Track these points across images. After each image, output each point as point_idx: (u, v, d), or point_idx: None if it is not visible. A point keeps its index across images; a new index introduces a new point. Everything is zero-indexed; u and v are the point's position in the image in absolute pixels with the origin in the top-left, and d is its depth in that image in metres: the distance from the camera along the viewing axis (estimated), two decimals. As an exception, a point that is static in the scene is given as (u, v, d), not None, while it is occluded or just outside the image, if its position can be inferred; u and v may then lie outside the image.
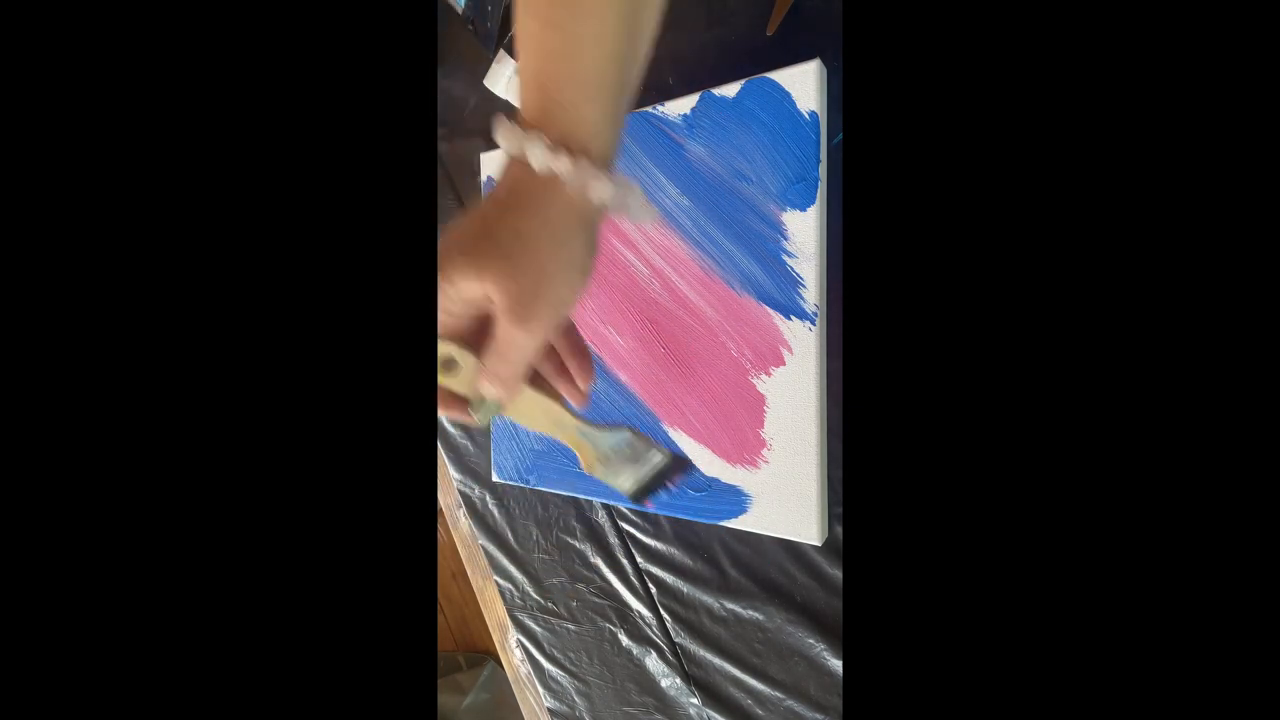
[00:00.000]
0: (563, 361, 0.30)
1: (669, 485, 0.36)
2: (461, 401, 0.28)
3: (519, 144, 0.23)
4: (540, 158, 0.23)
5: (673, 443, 0.44)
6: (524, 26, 0.23)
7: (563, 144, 0.23)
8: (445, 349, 0.26)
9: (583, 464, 0.33)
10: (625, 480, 0.34)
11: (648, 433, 0.45)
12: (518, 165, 0.24)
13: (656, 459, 0.34)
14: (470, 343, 0.26)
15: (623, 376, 0.46)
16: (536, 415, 0.30)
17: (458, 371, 0.27)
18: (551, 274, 0.24)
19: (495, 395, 0.27)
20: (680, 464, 0.36)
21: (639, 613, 0.52)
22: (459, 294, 0.24)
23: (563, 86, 0.23)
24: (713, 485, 0.42)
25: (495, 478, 0.57)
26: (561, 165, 0.23)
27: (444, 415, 0.28)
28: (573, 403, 0.31)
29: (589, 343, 0.48)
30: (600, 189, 0.24)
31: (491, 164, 0.55)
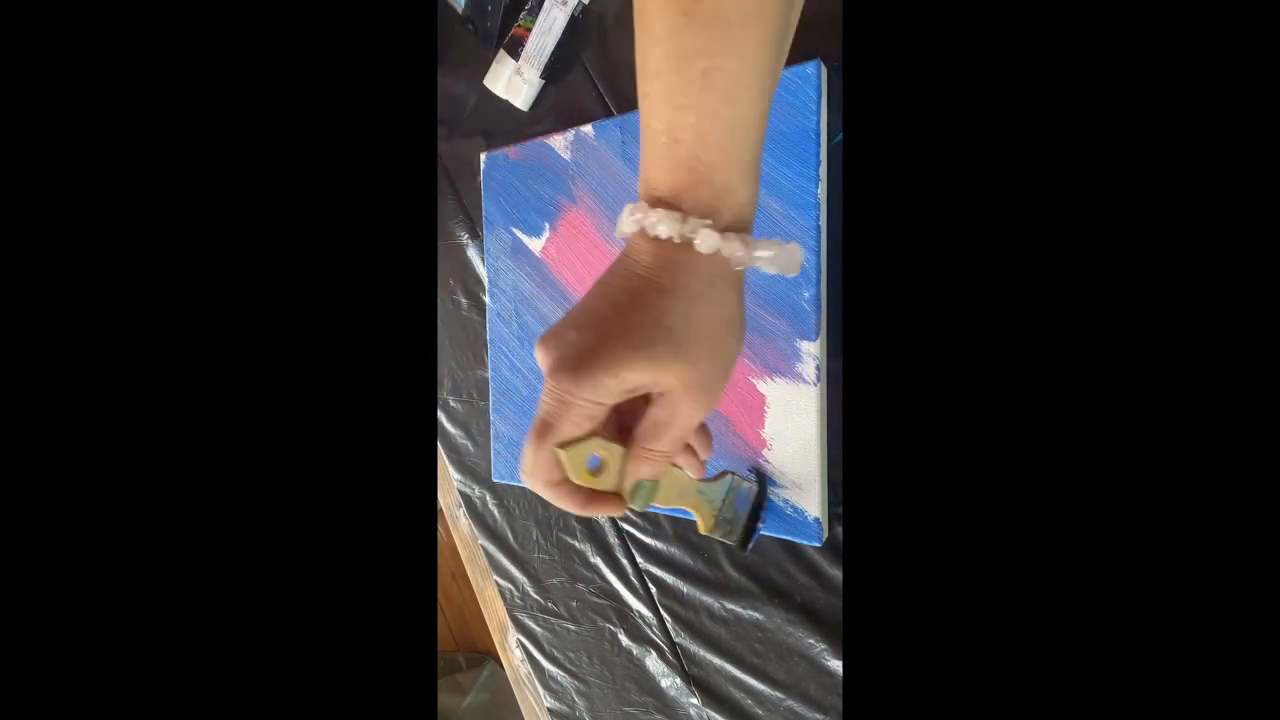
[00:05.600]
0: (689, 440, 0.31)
1: (762, 518, 0.38)
2: (610, 498, 0.26)
3: (680, 229, 0.23)
4: (710, 242, 0.23)
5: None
6: (674, 119, 0.22)
7: (730, 227, 0.23)
8: (588, 449, 0.24)
9: (701, 526, 0.34)
10: (733, 529, 0.36)
11: None
12: (666, 245, 0.23)
13: (746, 490, 0.36)
14: (611, 432, 0.25)
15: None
16: (670, 489, 0.31)
17: (605, 470, 0.25)
18: (726, 351, 0.25)
19: (656, 474, 0.26)
20: (763, 482, 0.38)
21: (639, 613, 0.52)
22: (621, 386, 0.23)
23: (722, 171, 0.23)
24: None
25: (495, 478, 0.57)
26: (733, 248, 0.23)
27: (595, 514, 0.27)
28: (692, 472, 0.31)
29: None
30: (765, 259, 0.24)
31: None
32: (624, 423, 0.26)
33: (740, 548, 0.37)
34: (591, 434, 0.24)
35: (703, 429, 0.30)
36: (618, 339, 0.23)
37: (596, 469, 0.25)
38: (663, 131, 0.22)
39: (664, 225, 0.23)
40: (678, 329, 0.23)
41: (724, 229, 0.23)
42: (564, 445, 0.24)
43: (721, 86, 0.21)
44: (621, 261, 0.24)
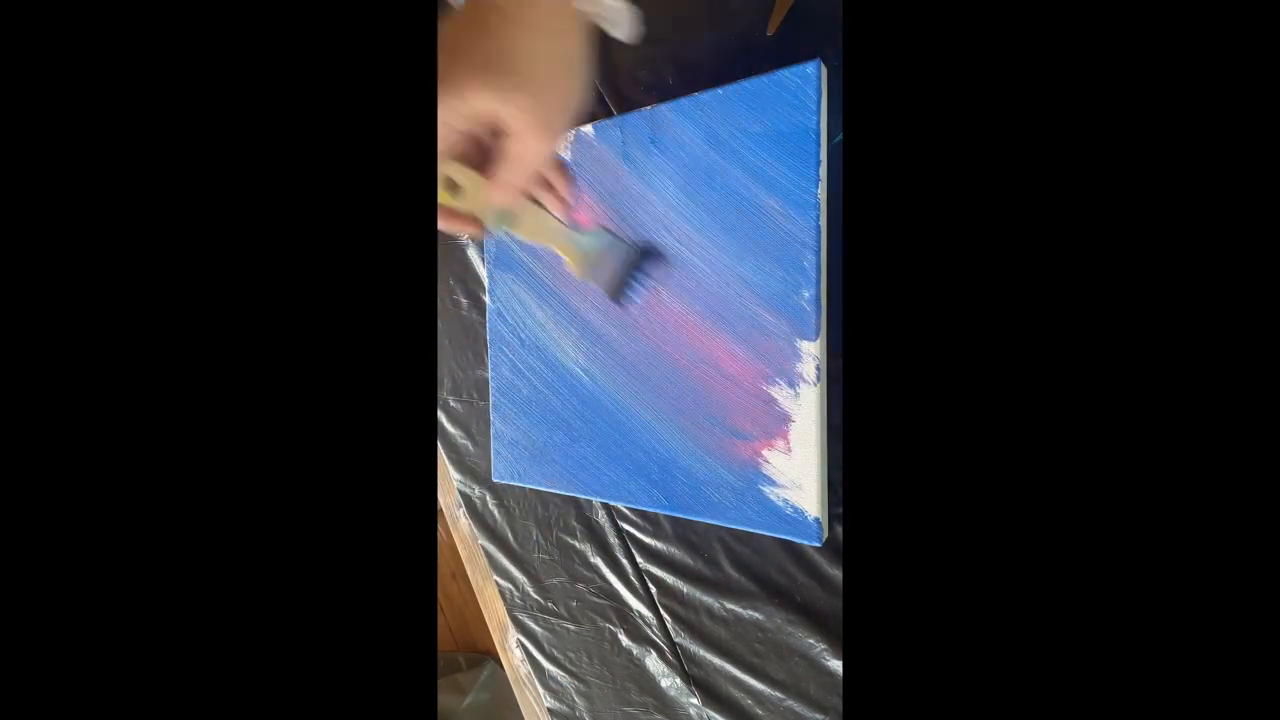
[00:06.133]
0: (547, 177, 0.34)
1: (637, 275, 0.41)
2: (468, 219, 0.29)
3: None
4: None
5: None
6: None
7: None
8: (445, 170, 0.27)
9: (571, 267, 0.38)
10: (604, 277, 0.40)
11: (637, 434, 0.45)
12: None
13: (624, 249, 0.40)
14: (470, 160, 0.28)
15: (622, 376, 0.46)
16: (533, 225, 0.34)
17: (461, 193, 0.28)
18: (567, 89, 0.26)
19: (508, 203, 0.29)
20: (646, 252, 0.41)
21: (639, 613, 0.52)
22: (470, 110, 0.25)
23: None
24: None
25: (495, 478, 0.57)
26: None
27: (453, 230, 0.29)
28: (557, 213, 0.34)
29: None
30: (608, 6, 0.26)
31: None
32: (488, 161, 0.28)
33: (612, 297, 0.41)
34: (450, 150, 0.27)
35: (561, 169, 0.33)
36: (464, 64, 0.24)
37: (455, 192, 0.28)
38: None
39: None
40: (523, 62, 0.24)
41: None
42: None
43: None
44: None
